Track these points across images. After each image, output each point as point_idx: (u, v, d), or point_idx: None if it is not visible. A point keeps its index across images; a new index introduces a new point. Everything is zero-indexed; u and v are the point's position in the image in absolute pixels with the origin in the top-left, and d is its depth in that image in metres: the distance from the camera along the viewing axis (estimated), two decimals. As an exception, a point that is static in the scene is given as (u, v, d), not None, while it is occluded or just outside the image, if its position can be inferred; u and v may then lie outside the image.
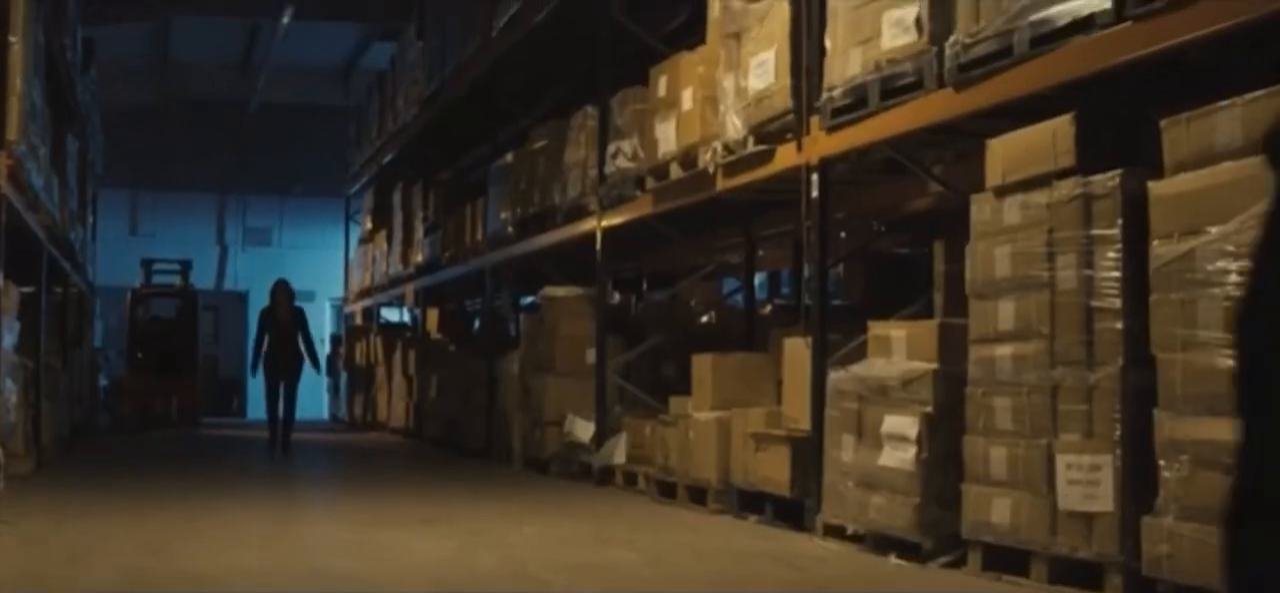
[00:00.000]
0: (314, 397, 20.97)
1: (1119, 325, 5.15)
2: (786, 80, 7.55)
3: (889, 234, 10.10)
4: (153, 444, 16.45)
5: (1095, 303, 5.25)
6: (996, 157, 5.85)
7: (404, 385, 18.24)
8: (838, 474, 6.88)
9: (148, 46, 23.06)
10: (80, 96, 15.79)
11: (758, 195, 8.87)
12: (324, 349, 21.55)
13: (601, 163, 10.67)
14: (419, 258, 17.96)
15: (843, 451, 6.84)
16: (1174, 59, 4.99)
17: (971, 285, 5.99)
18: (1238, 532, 2.33)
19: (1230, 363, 4.52)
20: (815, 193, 7.39)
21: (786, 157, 7.66)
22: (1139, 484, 4.98)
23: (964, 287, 6.13)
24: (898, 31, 6.50)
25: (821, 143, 7.29)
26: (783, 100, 7.60)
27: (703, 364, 9.03)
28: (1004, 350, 5.72)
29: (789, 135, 7.59)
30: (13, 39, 8.75)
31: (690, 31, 9.81)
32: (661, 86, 9.47)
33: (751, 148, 7.97)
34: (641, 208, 10.02)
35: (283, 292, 14.63)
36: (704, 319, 12.72)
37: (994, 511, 5.72)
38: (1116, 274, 5.16)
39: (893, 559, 6.30)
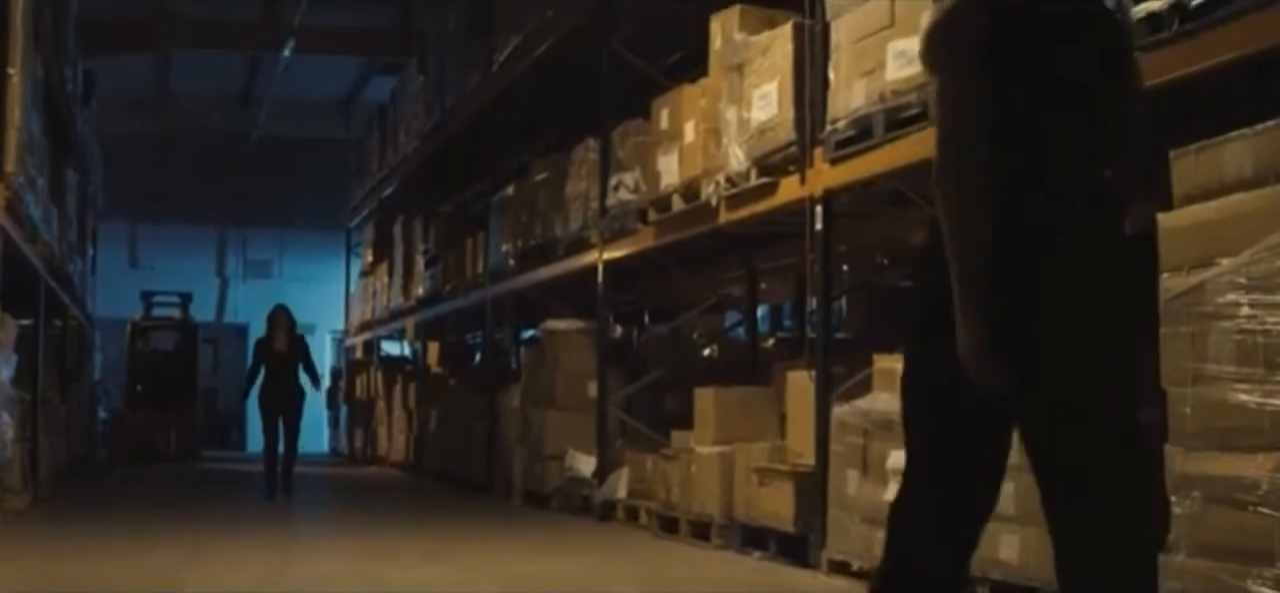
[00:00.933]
0: (314, 430, 20.86)
1: (1129, 358, 5.06)
2: (790, 112, 7.50)
3: (891, 267, 10.05)
4: (151, 478, 16.35)
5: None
6: (1003, 188, 5.78)
7: (404, 419, 18.14)
8: (842, 510, 6.79)
9: (148, 79, 23.04)
10: (80, 129, 15.75)
11: (760, 228, 8.81)
12: (325, 383, 21.42)
13: (603, 195, 10.62)
14: (420, 291, 17.90)
15: (848, 485, 6.77)
16: (1182, 90, 4.93)
17: (978, 319, 5.91)
18: None
19: (1244, 397, 4.46)
20: (819, 225, 7.33)
21: (790, 189, 7.61)
22: (1150, 521, 4.89)
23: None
24: (902, 62, 6.44)
25: (825, 175, 7.24)
26: (786, 132, 7.55)
27: (705, 398, 8.95)
28: (1011, 384, 5.63)
29: (792, 167, 7.54)
30: (11, 71, 8.71)
31: (692, 64, 9.77)
32: (663, 119, 9.43)
33: (754, 180, 7.92)
34: (643, 240, 9.97)
35: (282, 319, 13.32)
36: (706, 352, 12.65)
37: (1002, 547, 5.63)
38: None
39: (899, 596, 6.19)
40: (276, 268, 27.80)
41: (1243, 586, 4.37)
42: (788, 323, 14.84)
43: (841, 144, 7.01)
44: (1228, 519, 4.49)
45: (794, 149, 7.49)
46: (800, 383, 7.63)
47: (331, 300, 25.51)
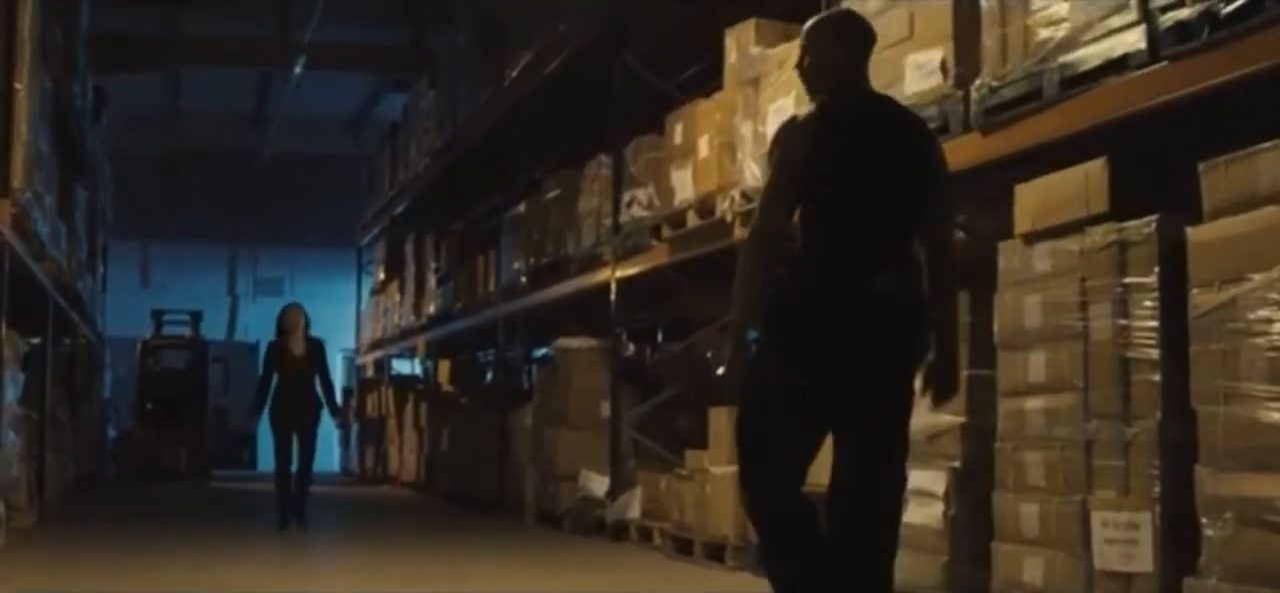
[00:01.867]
0: (324, 449, 20.74)
1: (1157, 377, 4.94)
2: (806, 127, 7.37)
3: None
4: (160, 497, 16.26)
5: (1131, 354, 5.04)
6: (1025, 203, 5.67)
7: (415, 438, 18.04)
8: (861, 531, 6.65)
9: (159, 97, 23.01)
10: (90, 146, 15.70)
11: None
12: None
13: (616, 212, 10.51)
14: (431, 309, 17.80)
15: (866, 506, 6.62)
16: (1212, 100, 4.81)
17: (1000, 336, 5.79)
18: None
19: (1277, 416, 4.33)
20: (836, 241, 7.19)
21: (806, 204, 7.47)
22: (1180, 544, 4.76)
23: (990, 337, 5.93)
24: (921, 75, 6.33)
25: (842, 190, 7.10)
26: (802, 147, 7.41)
27: (720, 417, 8.80)
28: (1035, 403, 5.51)
29: (809, 183, 7.40)
30: (18, 85, 8.63)
31: (705, 80, 9.67)
32: (677, 134, 9.32)
33: (770, 195, 7.78)
34: (657, 257, 9.85)
35: (297, 320, 11.50)
36: (720, 371, 12.51)
37: (1026, 570, 5.50)
38: (1154, 324, 4.96)
39: (919, 620, 6.08)
40: (287, 286, 27.74)
41: (1279, 611, 4.24)
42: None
43: (859, 158, 6.88)
44: (1261, 541, 4.36)
45: (810, 164, 7.35)
46: (817, 402, 7.48)
47: (342, 319, 25.42)
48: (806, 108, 4.32)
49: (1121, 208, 5.16)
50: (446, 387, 18.04)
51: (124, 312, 22.72)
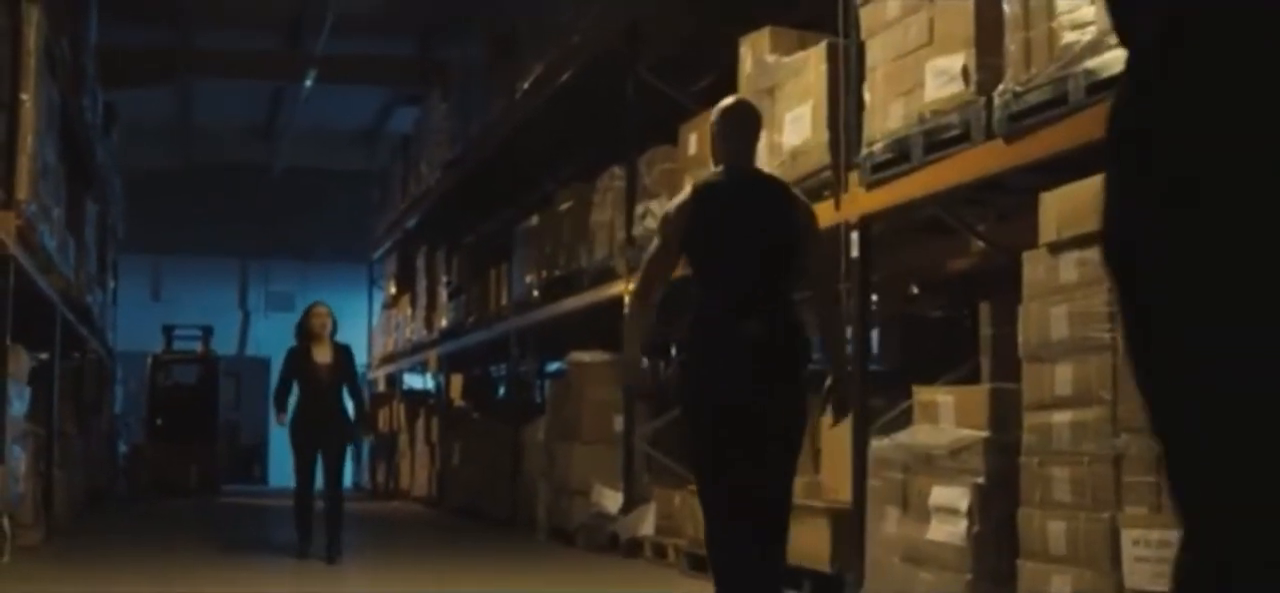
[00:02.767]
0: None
1: (1189, 391, 4.77)
2: (823, 135, 7.25)
3: (924, 296, 9.76)
4: (170, 513, 16.13)
5: (1163, 367, 4.88)
6: (1051, 211, 5.51)
7: (427, 453, 17.90)
8: (882, 549, 6.50)
9: (171, 111, 22.95)
10: (100, 159, 15.60)
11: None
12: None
13: (629, 224, 10.38)
14: (443, 323, 17.69)
15: (887, 523, 6.48)
16: None
17: (1025, 348, 5.64)
18: None
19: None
20: (855, 252, 7.06)
21: (824, 215, 7.28)
22: (1215, 562, 4.59)
23: (1014, 349, 5.78)
24: (942, 82, 6.18)
25: (861, 200, 6.98)
26: (820, 156, 7.29)
27: (735, 432, 8.65)
28: (1062, 417, 5.36)
29: (826, 192, 7.28)
30: (23, 96, 8.51)
31: (720, 90, 9.49)
32: (692, 144, 9.18)
33: (787, 206, 7.64)
34: (670, 270, 9.68)
35: (324, 320, 9.95)
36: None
37: (1053, 589, 5.34)
38: (1186, 336, 4.79)
39: (942, 640, 5.92)
40: (299, 301, 27.58)
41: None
42: (816, 356, 14.52)
43: (878, 167, 6.75)
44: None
45: (828, 173, 7.23)
46: (835, 416, 7.33)
47: (354, 333, 25.18)
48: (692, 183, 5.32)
49: (1152, 216, 5.00)
50: (458, 401, 17.91)
51: (135, 326, 22.62)
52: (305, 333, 9.97)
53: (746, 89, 8.33)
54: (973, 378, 6.92)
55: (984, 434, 5.86)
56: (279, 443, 10.90)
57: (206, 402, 21.63)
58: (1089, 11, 5.29)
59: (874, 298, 9.46)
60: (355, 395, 10.20)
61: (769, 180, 5.33)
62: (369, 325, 24.51)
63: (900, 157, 6.53)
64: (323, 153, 24.62)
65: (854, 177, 7.02)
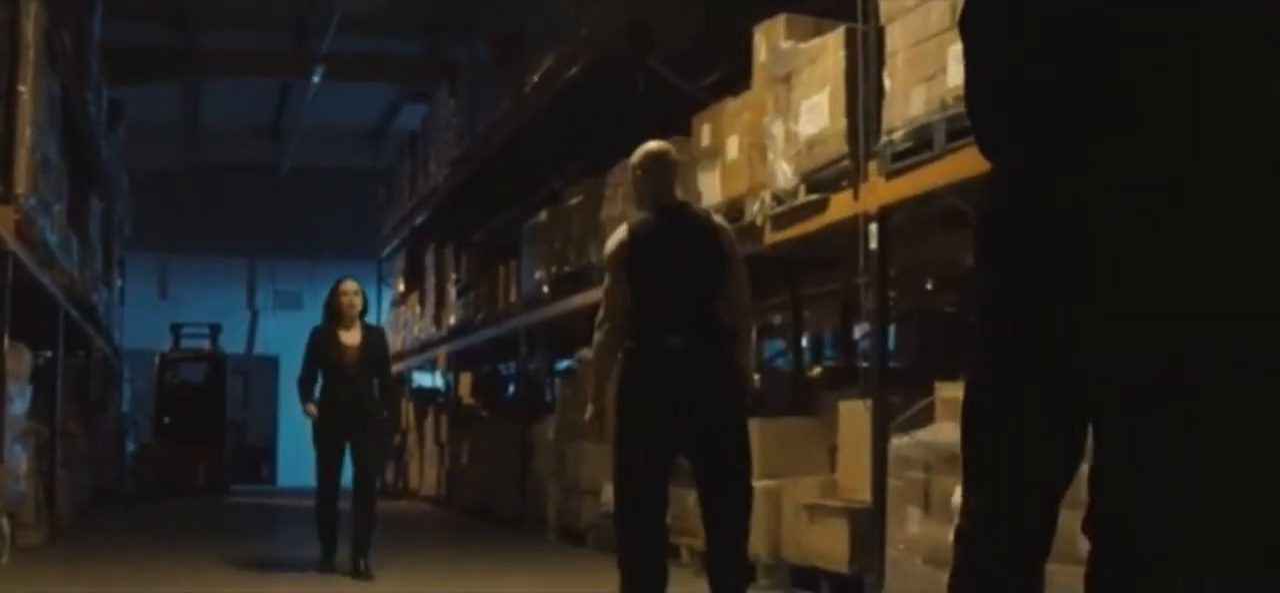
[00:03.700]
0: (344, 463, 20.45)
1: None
2: (841, 123, 7.04)
3: (938, 291, 9.58)
4: (177, 513, 15.98)
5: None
6: (1081, 199, 5.30)
7: (436, 452, 17.75)
8: (903, 550, 6.30)
9: (178, 110, 22.83)
10: (105, 156, 15.44)
11: (807, 250, 8.35)
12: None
13: (640, 218, 10.17)
14: (451, 320, 17.52)
15: (908, 523, 6.28)
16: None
17: (1053, 342, 5.42)
18: None
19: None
20: (873, 244, 6.85)
21: (842, 205, 7.14)
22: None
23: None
24: (966, 67, 5.97)
25: (880, 190, 6.77)
26: (837, 145, 7.08)
27: (749, 429, 8.45)
28: (1093, 413, 5.14)
29: (844, 182, 7.08)
30: (21, 88, 8.34)
31: (732, 84, 9.31)
32: (704, 136, 8.98)
33: (803, 197, 7.46)
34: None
35: (355, 299, 8.90)
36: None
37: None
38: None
39: (966, 645, 5.71)
40: (307, 299, 27.46)
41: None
42: (828, 352, 14.36)
43: (898, 156, 6.54)
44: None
45: (846, 163, 7.03)
46: (855, 414, 7.15)
47: (363, 332, 25.15)
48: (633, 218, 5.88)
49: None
50: (467, 400, 17.75)
51: (143, 325, 22.52)
52: (332, 312, 8.87)
53: (761, 77, 8.15)
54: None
55: (1010, 431, 5.65)
56: (288, 442, 9.65)
57: (214, 401, 21.52)
58: (1120, -9, 5.08)
59: (891, 293, 9.32)
60: (385, 385, 9.15)
61: (692, 213, 5.96)
62: (378, 324, 24.36)
63: (922, 144, 6.33)
64: (330, 151, 24.49)
65: (873, 166, 6.81)
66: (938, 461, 6.06)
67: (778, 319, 12.16)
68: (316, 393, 8.77)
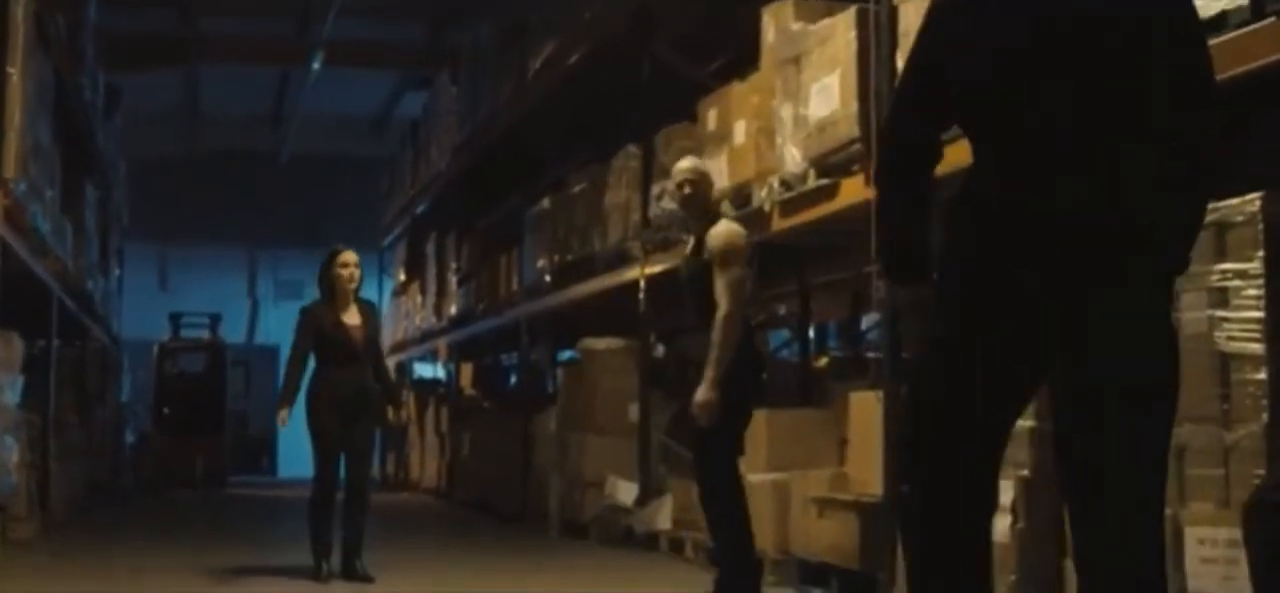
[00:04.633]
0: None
1: (1261, 376, 4.38)
2: (853, 106, 6.84)
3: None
4: (175, 505, 15.81)
5: (1231, 349, 4.48)
6: (1104, 182, 5.09)
7: (436, 444, 17.58)
8: (916, 546, 6.09)
9: (178, 99, 22.66)
10: (101, 143, 15.24)
11: (815, 237, 8.16)
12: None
13: (645, 205, 10.00)
14: (452, 310, 17.34)
15: (921, 519, 6.07)
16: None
17: (1075, 330, 5.22)
18: None
19: None
20: (885, 231, 6.64)
21: (852, 190, 6.94)
22: (1291, 564, 4.19)
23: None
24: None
25: (892, 174, 6.55)
26: (848, 128, 6.88)
27: (756, 421, 8.19)
28: (1117, 405, 4.94)
29: (855, 166, 6.88)
30: (11, 70, 8.15)
31: (738, 69, 9.11)
32: (711, 120, 8.78)
33: (813, 182, 7.26)
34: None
35: (353, 271, 8.03)
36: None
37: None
38: (1257, 315, 4.40)
39: (983, 645, 5.52)
40: (309, 290, 27.26)
41: None
42: (833, 342, 14.16)
43: (911, 140, 6.33)
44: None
45: (857, 146, 6.82)
46: (866, 405, 6.95)
47: (366, 322, 24.98)
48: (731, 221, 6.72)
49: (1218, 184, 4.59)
50: (469, 391, 17.57)
51: (142, 315, 22.37)
52: (330, 288, 7.96)
53: (769, 59, 7.96)
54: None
55: (1030, 423, 5.45)
56: (289, 434, 8.62)
57: (214, 391, 21.33)
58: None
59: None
60: (381, 366, 8.30)
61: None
62: (379, 314, 24.19)
63: (936, 127, 6.11)
64: (331, 140, 24.33)
65: (885, 150, 6.60)
66: (953, 454, 5.86)
67: (783, 309, 11.95)
68: (308, 380, 7.92)
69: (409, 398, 19.63)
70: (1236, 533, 4.38)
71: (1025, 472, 5.45)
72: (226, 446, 21.26)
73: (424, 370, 21.46)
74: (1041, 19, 3.11)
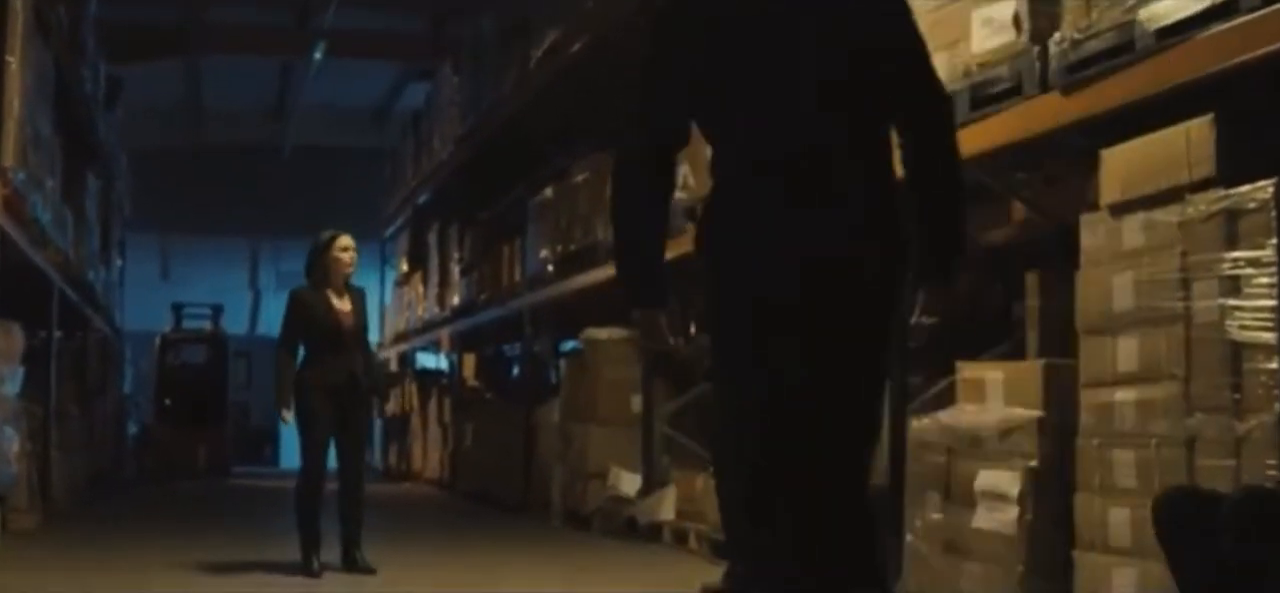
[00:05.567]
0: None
1: (1273, 365, 4.32)
2: (854, 95, 6.77)
3: (960, 267, 9.29)
4: (177, 495, 15.79)
5: (1243, 338, 4.43)
6: (1114, 169, 5.04)
7: (439, 435, 17.54)
8: (921, 538, 6.06)
9: (179, 91, 22.63)
10: (102, 134, 15.20)
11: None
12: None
13: (649, 194, 9.93)
14: (455, 300, 17.29)
15: (927, 510, 6.03)
16: None
17: (1083, 320, 5.18)
18: None
19: None
20: (893, 218, 6.59)
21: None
22: (1304, 555, 4.15)
23: (1060, 323, 5.35)
24: (990, 32, 5.72)
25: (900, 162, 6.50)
26: (850, 117, 6.81)
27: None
28: (1126, 395, 4.90)
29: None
30: (10, 58, 8.10)
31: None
32: (715, 108, 8.72)
33: (815, 170, 7.19)
34: (692, 241, 9.25)
35: (344, 254, 7.85)
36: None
37: (1114, 583, 4.89)
38: (1270, 303, 4.34)
39: (990, 637, 5.49)
40: (311, 280, 27.31)
41: None
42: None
43: (918, 127, 6.27)
44: None
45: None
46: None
47: (368, 313, 24.94)
48: None
49: (1230, 171, 4.54)
50: (471, 381, 17.53)
51: (145, 306, 22.35)
52: (322, 273, 7.76)
53: (773, 48, 7.88)
54: (1016, 354, 6.46)
55: (1037, 414, 5.40)
56: (293, 425, 8.07)
57: (216, 382, 21.35)
58: (1157, -51, 4.83)
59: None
60: (369, 356, 8.04)
61: None
62: (381, 304, 24.15)
63: (942, 115, 6.06)
64: (333, 131, 24.32)
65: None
66: (959, 443, 5.81)
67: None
68: (301, 365, 7.72)
69: (412, 388, 19.62)
70: (1248, 524, 4.34)
71: (1032, 462, 5.39)
72: (228, 436, 21.26)
73: (427, 361, 21.44)
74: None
